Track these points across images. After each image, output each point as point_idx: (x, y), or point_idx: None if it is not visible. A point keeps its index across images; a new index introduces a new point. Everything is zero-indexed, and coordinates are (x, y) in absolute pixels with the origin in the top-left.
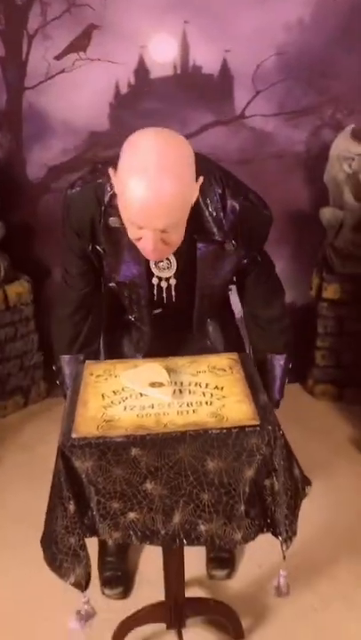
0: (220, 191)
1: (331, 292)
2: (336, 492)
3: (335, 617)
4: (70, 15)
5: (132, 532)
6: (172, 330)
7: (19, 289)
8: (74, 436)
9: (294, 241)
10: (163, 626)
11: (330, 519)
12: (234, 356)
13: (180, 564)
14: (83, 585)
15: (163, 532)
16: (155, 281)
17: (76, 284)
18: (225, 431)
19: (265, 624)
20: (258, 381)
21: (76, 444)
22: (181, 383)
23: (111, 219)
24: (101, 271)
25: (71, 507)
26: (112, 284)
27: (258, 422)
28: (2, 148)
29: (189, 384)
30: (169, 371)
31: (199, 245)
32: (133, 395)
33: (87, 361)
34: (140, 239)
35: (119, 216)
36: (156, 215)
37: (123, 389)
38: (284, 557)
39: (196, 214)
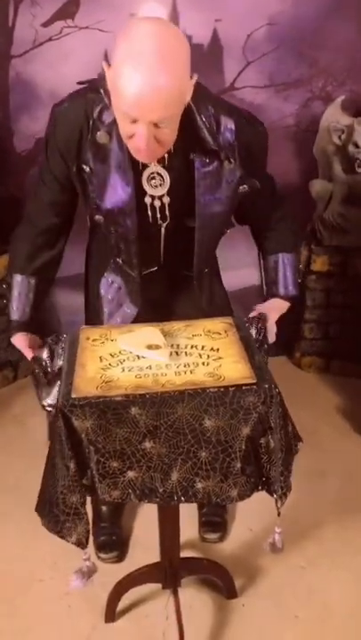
0: (212, 110)
1: (319, 264)
2: (323, 458)
3: (321, 576)
4: None
5: (130, 491)
6: (164, 287)
7: (6, 261)
8: (74, 395)
9: None
10: (158, 586)
11: (317, 483)
12: (229, 319)
13: (176, 524)
14: (84, 542)
15: (161, 489)
16: (147, 200)
17: (44, 212)
18: (223, 390)
19: (256, 583)
20: (253, 344)
21: (76, 404)
22: (178, 345)
23: (99, 133)
24: (87, 200)
25: (72, 465)
26: (98, 217)
27: (254, 381)
28: None
29: (185, 346)
30: (164, 334)
31: (197, 165)
32: (131, 357)
33: (83, 326)
34: (132, 136)
35: (107, 131)
36: (152, 107)
37: (120, 352)
38: (279, 514)
39: (188, 120)
